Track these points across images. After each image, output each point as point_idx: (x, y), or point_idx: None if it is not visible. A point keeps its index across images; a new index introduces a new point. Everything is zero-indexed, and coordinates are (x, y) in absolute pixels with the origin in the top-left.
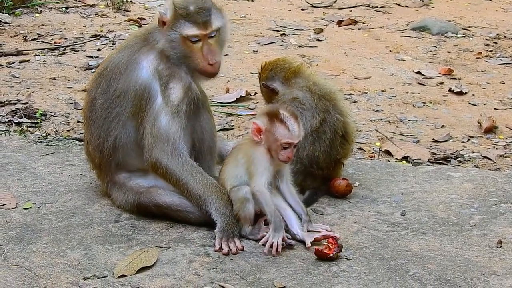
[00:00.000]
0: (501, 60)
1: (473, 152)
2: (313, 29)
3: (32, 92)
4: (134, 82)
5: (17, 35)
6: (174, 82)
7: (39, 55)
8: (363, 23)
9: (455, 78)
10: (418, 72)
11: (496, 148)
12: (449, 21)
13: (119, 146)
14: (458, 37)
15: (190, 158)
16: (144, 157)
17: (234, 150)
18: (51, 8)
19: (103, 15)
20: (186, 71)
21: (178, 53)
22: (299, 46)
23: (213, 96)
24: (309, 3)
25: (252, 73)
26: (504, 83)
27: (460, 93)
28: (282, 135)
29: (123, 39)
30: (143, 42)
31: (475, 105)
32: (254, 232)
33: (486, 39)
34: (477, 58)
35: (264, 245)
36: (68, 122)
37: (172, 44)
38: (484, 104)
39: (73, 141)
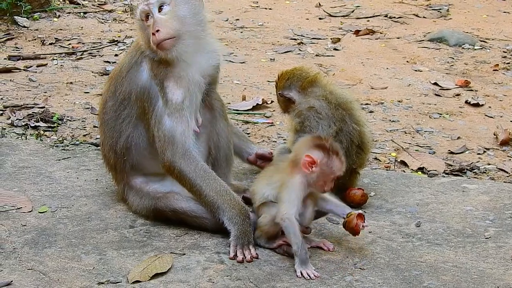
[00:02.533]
0: None
1: (489, 164)
2: (331, 39)
3: (49, 96)
4: (135, 85)
5: (35, 39)
6: (168, 80)
7: (56, 59)
8: (381, 33)
9: (471, 90)
10: (435, 83)
11: None
12: (467, 32)
13: (132, 146)
14: (475, 49)
15: (203, 161)
16: (159, 161)
17: (271, 168)
18: (69, 13)
19: (121, 20)
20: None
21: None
22: (316, 55)
23: (229, 103)
24: (327, 13)
25: (268, 81)
26: None
27: (477, 105)
28: (338, 168)
29: None
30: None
31: (491, 117)
32: (270, 241)
33: (504, 52)
34: (494, 70)
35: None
36: (85, 127)
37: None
38: (501, 117)
39: (89, 146)
